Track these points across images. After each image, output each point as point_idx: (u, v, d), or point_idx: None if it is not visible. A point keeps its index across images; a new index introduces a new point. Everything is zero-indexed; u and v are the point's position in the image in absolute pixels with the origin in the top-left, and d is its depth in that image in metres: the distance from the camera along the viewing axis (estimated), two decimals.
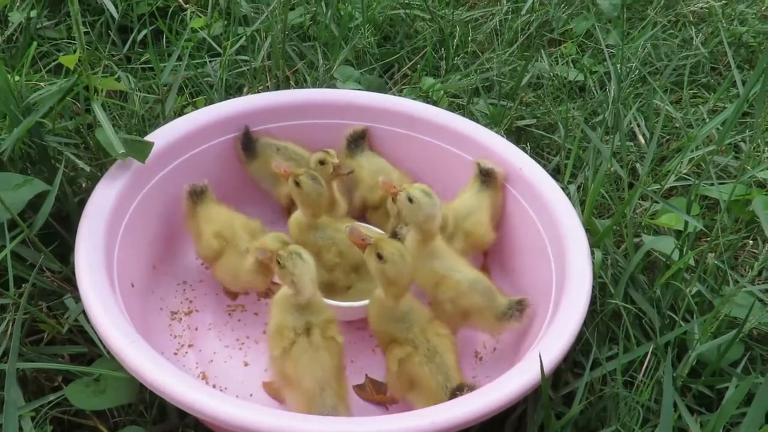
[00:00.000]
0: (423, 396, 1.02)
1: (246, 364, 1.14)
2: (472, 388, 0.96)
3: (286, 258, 1.00)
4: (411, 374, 1.02)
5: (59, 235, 1.17)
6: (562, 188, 1.22)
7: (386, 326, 1.05)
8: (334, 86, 1.60)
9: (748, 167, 1.37)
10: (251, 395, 1.09)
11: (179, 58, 1.52)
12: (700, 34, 1.89)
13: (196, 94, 1.57)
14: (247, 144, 1.32)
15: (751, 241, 1.29)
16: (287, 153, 1.32)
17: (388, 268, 1.00)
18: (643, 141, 1.53)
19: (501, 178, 1.25)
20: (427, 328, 1.04)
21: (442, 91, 1.63)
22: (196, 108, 1.41)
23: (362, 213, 1.34)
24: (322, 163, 1.22)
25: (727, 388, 0.99)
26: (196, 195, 1.21)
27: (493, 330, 1.13)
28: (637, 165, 1.48)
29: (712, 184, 1.29)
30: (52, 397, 0.96)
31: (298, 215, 1.20)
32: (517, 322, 1.09)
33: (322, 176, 1.18)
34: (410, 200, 1.10)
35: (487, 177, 1.25)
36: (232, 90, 1.60)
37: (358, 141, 1.35)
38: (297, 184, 1.15)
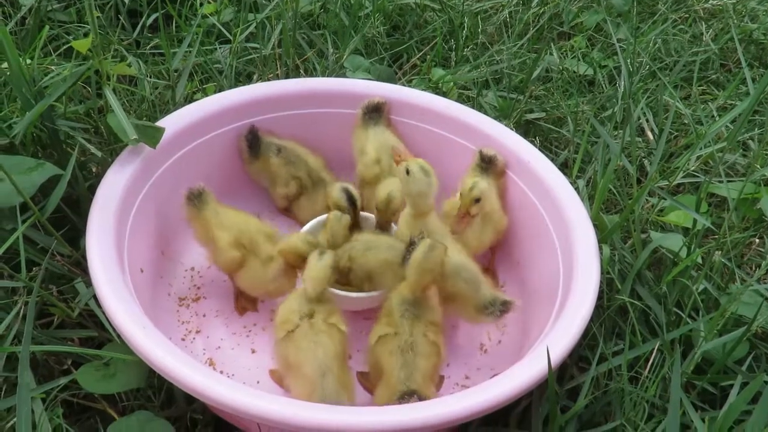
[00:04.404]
0: (384, 386, 1.00)
1: (253, 351, 1.15)
2: (422, 398, 0.95)
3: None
4: (378, 359, 1.02)
5: (69, 220, 1.17)
6: (571, 183, 1.22)
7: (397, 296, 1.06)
8: (344, 75, 1.59)
9: (757, 165, 1.37)
10: (258, 382, 1.10)
11: (190, 44, 1.52)
12: (711, 30, 1.88)
13: (205, 81, 1.56)
14: (254, 143, 1.31)
15: (757, 240, 1.29)
16: (287, 155, 1.32)
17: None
18: (651, 137, 1.53)
19: (502, 165, 1.25)
20: (420, 325, 1.03)
21: (452, 83, 1.62)
22: (206, 94, 1.41)
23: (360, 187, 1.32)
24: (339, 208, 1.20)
25: (731, 385, 0.99)
26: (195, 197, 1.17)
27: (469, 319, 1.13)
28: (645, 161, 1.48)
29: (721, 182, 1.29)
30: (62, 381, 0.97)
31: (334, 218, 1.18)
32: (494, 320, 1.10)
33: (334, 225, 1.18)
34: (407, 172, 1.12)
35: (488, 164, 1.25)
36: (242, 77, 1.59)
37: (373, 114, 1.34)
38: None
